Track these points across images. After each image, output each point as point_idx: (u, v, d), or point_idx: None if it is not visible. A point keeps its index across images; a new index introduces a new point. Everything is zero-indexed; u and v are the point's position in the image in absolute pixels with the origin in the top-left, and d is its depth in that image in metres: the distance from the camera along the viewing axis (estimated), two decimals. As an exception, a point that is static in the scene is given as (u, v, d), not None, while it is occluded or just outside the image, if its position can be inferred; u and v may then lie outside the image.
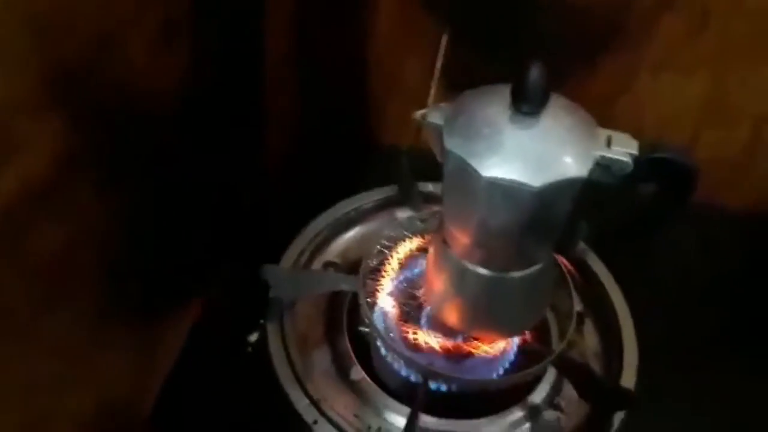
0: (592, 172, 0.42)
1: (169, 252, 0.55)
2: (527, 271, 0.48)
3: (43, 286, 0.40)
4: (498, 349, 0.56)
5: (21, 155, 0.35)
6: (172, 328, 0.59)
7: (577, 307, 0.59)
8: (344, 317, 0.61)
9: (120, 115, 0.44)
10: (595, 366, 0.61)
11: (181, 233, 0.56)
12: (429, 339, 0.55)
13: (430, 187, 0.70)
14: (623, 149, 0.44)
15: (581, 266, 0.65)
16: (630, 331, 0.61)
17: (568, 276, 0.60)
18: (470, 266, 0.48)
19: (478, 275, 0.48)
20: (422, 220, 0.64)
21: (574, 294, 0.58)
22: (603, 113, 0.43)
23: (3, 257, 0.36)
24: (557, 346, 0.58)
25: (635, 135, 0.42)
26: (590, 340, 0.63)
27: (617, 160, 0.43)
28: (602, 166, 0.44)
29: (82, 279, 0.45)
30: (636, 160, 0.42)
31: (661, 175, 0.44)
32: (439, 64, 0.74)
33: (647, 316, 0.62)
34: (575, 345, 0.62)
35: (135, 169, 0.48)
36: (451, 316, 0.52)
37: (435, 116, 0.43)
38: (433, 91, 0.71)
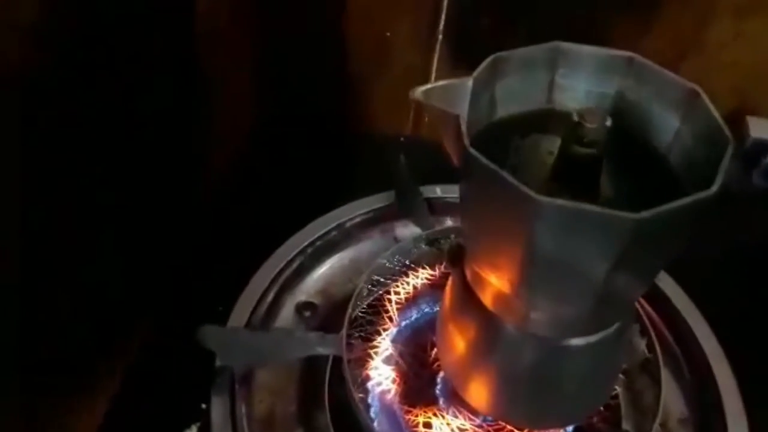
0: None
1: (62, 311, 0.41)
2: (596, 337, 0.34)
3: None
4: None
5: None
6: (76, 422, 0.44)
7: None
8: (325, 385, 0.45)
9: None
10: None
11: (81, 279, 0.43)
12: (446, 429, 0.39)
13: (438, 191, 0.57)
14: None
15: (654, 297, 0.49)
16: (731, 386, 0.46)
17: (645, 318, 0.43)
18: (510, 326, 0.34)
19: (522, 339, 0.34)
20: (431, 242, 0.50)
21: (657, 347, 0.42)
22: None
23: None
24: (629, 424, 0.44)
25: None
26: (672, 401, 0.47)
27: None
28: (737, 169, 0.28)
29: None
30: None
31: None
32: (441, 28, 0.63)
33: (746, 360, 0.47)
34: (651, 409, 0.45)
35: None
36: (477, 395, 0.38)
37: (446, 99, 0.29)
38: (436, 59, 0.60)
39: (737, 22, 0.56)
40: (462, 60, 0.65)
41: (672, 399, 0.47)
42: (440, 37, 0.63)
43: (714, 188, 0.25)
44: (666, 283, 0.49)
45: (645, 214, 0.24)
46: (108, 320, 0.45)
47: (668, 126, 0.31)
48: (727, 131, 0.28)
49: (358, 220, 0.55)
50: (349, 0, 0.65)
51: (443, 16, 0.62)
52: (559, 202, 0.25)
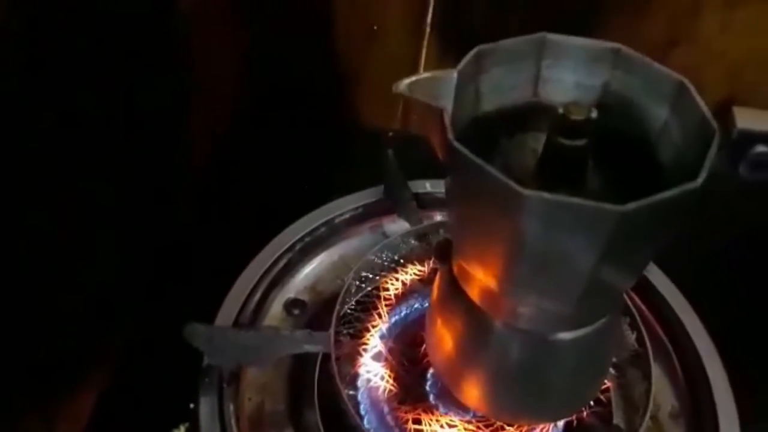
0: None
1: (41, 307, 0.40)
2: (585, 331, 0.33)
3: None
4: (535, 432, 0.41)
5: None
6: (62, 422, 0.42)
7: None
8: (315, 383, 0.44)
9: None
10: (675, 433, 0.45)
11: (71, 277, 0.41)
12: (438, 427, 0.39)
13: (427, 186, 0.55)
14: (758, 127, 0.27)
15: (644, 290, 0.48)
16: (721, 380, 0.45)
17: (635, 312, 0.43)
18: (497, 321, 0.33)
19: (509, 335, 0.34)
20: (420, 238, 0.49)
21: (647, 341, 0.41)
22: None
23: None
24: (620, 417, 0.43)
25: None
26: (663, 394, 0.46)
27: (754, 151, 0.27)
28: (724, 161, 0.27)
29: None
30: None
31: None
32: (430, 12, 0.62)
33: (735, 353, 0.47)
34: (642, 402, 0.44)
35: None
36: (466, 391, 0.37)
37: (431, 92, 0.28)
38: (424, 52, 0.57)
39: (727, 12, 0.55)
40: (451, 52, 0.63)
41: (663, 392, 0.47)
42: (428, 29, 0.61)
43: (700, 180, 0.25)
44: (655, 275, 0.48)
45: (631, 206, 0.24)
46: (93, 319, 0.44)
47: (656, 118, 0.30)
48: (713, 121, 0.27)
49: (346, 216, 0.54)
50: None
51: (431, 6, 0.60)
52: (545, 195, 0.24)
